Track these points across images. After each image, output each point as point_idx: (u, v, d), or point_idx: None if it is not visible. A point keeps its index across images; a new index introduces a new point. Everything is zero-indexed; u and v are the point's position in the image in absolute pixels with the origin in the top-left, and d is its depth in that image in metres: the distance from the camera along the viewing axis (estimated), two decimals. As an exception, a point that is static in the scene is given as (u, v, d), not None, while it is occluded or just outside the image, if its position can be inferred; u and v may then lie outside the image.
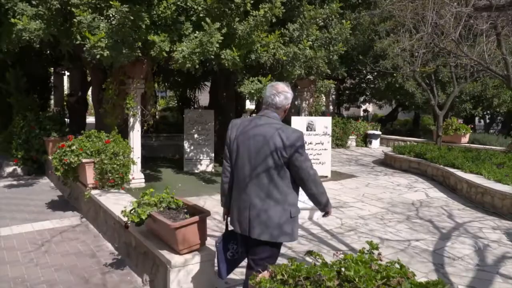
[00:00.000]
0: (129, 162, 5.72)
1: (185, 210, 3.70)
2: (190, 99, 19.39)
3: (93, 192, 5.32)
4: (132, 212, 3.59)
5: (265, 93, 2.77)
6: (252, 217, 2.62)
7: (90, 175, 5.34)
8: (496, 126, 21.44)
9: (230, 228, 2.89)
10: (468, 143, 13.80)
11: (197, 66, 6.41)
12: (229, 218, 2.92)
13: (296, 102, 29.85)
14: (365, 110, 23.52)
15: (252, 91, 6.88)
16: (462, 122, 14.44)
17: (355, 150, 14.63)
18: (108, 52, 5.62)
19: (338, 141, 14.74)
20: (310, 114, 9.81)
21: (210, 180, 8.48)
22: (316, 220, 5.92)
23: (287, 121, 8.96)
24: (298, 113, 11.97)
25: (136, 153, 7.62)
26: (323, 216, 2.92)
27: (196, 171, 9.44)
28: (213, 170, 9.56)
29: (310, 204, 5.88)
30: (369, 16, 9.70)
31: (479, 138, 14.19)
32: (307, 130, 9.14)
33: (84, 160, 5.29)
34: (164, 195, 3.80)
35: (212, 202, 6.67)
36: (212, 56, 6.38)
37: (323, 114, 11.26)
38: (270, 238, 2.62)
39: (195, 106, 18.91)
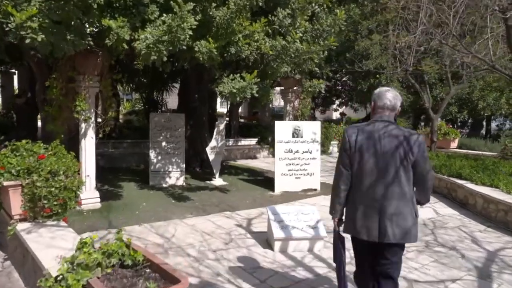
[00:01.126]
0: (75, 183, 4.29)
1: (148, 270, 2.37)
2: (157, 101, 17.86)
3: (20, 226, 3.87)
4: (58, 282, 2.22)
5: (379, 97, 2.79)
6: (386, 221, 2.63)
7: (16, 203, 3.89)
8: (465, 129, 21.10)
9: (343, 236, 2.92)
10: (456, 148, 13.05)
11: (164, 59, 5.07)
12: (341, 228, 2.90)
13: (276, 104, 28.57)
14: (342, 113, 22.63)
15: (234, 90, 5.59)
16: (451, 126, 13.67)
17: (337, 156, 13.62)
18: (44, 36, 4.19)
19: (320, 147, 13.64)
20: (296, 118, 8.62)
21: (181, 197, 7.11)
22: (318, 252, 4.69)
23: (267, 126, 7.55)
24: (281, 118, 10.79)
25: (89, 167, 6.17)
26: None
27: (164, 185, 8.03)
28: (184, 184, 8.18)
29: (310, 233, 4.48)
30: (360, 9, 8.67)
31: (466, 142, 13.46)
32: (293, 136, 7.95)
33: (6, 183, 3.82)
34: (113, 245, 2.46)
35: (184, 229, 5.32)
36: (184, 47, 5.07)
37: (313, 118, 10.08)
38: (408, 239, 2.65)
39: (163, 109, 17.38)
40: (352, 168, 2.71)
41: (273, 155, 8.13)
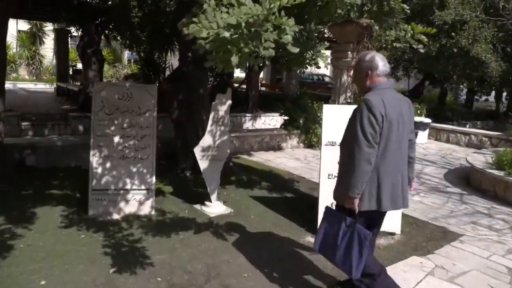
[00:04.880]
0: None
1: None
2: (158, 64, 14.16)
3: None
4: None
5: (376, 63, 2.66)
6: (405, 187, 2.73)
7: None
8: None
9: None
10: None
11: None
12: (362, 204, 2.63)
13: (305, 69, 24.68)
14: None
15: (225, 33, 1.87)
16: None
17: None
18: None
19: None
20: (357, 99, 4.78)
21: (135, 254, 3.53)
22: None
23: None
24: (313, 90, 6.95)
25: None
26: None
27: (114, 216, 4.43)
28: (152, 214, 4.57)
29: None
30: None
31: None
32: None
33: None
34: None
35: None
36: None
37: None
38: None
39: (163, 76, 13.61)
40: (380, 143, 2.54)
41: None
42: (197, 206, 4.86)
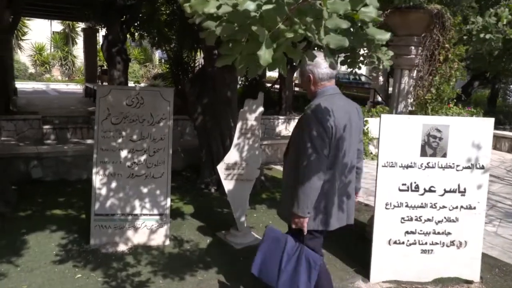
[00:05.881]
0: None
1: None
2: (187, 63, 13.51)
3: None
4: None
5: (320, 65, 2.36)
6: (351, 202, 2.53)
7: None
8: None
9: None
10: None
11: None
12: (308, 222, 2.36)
13: (340, 68, 23.74)
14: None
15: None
16: None
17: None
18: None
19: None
20: (422, 106, 3.78)
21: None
22: None
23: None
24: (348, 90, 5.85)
25: None
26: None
27: (119, 248, 3.65)
28: (165, 244, 3.77)
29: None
30: None
31: None
32: (424, 153, 3.21)
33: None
34: None
35: None
36: None
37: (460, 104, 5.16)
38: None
39: (191, 74, 12.91)
40: (328, 154, 2.31)
41: None
42: (221, 235, 4.03)
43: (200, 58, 14.04)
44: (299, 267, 2.37)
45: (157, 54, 24.14)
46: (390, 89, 20.25)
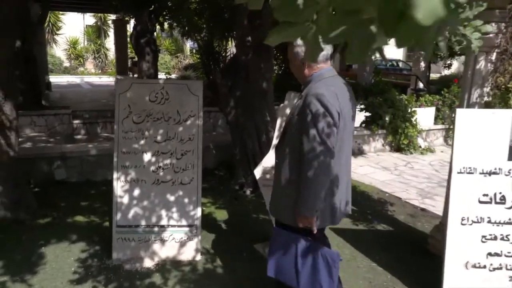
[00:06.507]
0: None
1: None
2: (218, 52, 13.07)
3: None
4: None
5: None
6: (349, 190, 2.36)
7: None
8: None
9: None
10: None
11: None
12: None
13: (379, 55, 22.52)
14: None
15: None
16: None
17: None
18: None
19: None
20: (503, 96, 3.11)
21: None
22: None
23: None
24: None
25: None
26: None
27: (144, 264, 3.22)
28: (198, 260, 3.30)
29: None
30: None
31: None
32: None
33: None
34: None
35: None
36: None
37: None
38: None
39: (222, 64, 12.41)
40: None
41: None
42: (260, 247, 3.52)
43: (231, 47, 13.56)
44: (318, 266, 2.16)
45: (188, 45, 23.83)
46: (432, 75, 19.04)
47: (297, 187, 2.08)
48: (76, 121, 8.51)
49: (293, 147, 2.14)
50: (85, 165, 4.92)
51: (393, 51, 27.47)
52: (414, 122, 7.39)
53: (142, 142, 3.22)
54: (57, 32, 20.89)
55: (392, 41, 0.58)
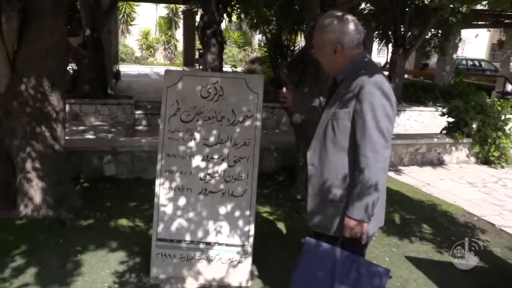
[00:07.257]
0: None
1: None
2: (286, 46, 12.56)
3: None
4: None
5: (349, 31, 1.90)
6: None
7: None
8: None
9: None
10: None
11: None
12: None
13: (462, 54, 20.81)
14: None
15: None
16: None
17: None
18: None
19: None
20: None
21: None
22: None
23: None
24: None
25: None
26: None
27: (186, 285, 2.78)
28: (249, 285, 2.81)
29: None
30: None
31: None
32: None
33: None
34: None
35: None
36: None
37: None
38: None
39: (289, 60, 11.83)
40: None
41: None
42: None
43: (300, 41, 12.95)
44: (361, 279, 1.84)
45: (256, 38, 23.53)
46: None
47: (349, 189, 1.85)
48: (138, 112, 8.43)
49: (342, 146, 1.89)
50: (136, 162, 4.63)
51: (475, 50, 25.08)
52: (508, 132, 6.34)
53: (190, 144, 2.78)
54: (131, 23, 21.54)
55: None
